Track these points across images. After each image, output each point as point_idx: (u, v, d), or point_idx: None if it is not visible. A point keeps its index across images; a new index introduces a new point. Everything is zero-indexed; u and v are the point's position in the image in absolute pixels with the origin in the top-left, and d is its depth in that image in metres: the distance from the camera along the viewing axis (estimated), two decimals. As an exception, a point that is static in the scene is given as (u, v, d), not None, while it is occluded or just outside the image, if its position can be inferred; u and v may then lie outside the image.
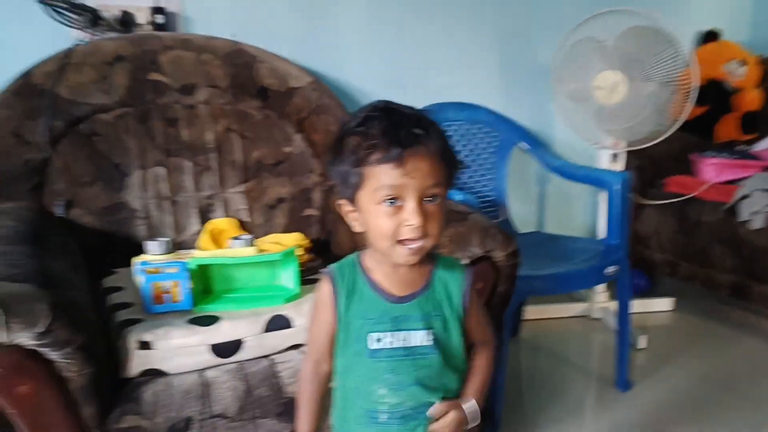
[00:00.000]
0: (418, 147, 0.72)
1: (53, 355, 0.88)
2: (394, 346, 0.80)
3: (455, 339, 0.83)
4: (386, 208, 0.73)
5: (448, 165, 0.76)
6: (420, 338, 0.80)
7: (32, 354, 0.87)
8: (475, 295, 0.86)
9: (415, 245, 0.74)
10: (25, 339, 0.86)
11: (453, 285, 0.83)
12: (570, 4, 2.15)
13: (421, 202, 0.73)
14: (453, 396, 0.84)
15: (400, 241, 0.74)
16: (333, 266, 0.83)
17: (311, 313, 0.85)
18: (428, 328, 0.81)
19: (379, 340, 0.79)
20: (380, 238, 0.75)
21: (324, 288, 0.82)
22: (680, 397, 1.74)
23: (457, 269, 0.85)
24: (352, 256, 0.84)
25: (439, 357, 0.81)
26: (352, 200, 0.77)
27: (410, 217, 0.72)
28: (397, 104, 0.77)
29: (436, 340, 0.81)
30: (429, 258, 0.81)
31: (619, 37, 1.83)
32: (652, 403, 1.71)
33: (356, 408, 0.82)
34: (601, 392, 1.79)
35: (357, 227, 0.79)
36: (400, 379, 0.80)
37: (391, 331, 0.80)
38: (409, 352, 0.80)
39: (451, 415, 0.82)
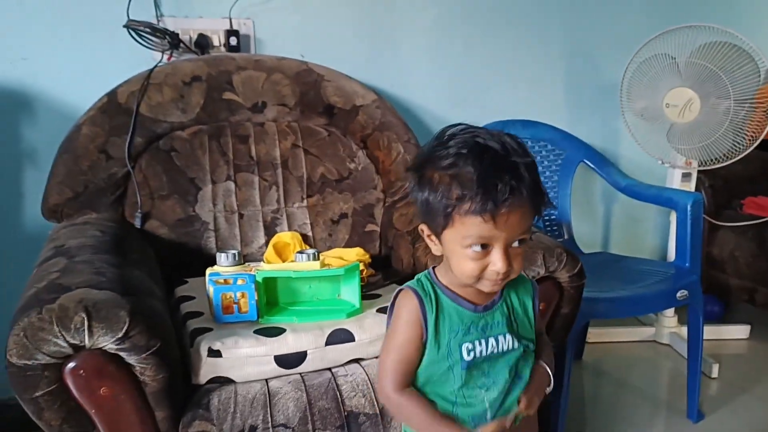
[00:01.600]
0: (512, 199, 0.70)
1: (132, 359, 0.94)
2: (487, 353, 0.82)
3: (530, 342, 0.86)
4: (473, 253, 0.74)
5: (538, 207, 0.75)
6: (509, 341, 0.83)
7: (113, 358, 0.93)
8: (539, 306, 0.90)
9: (500, 282, 0.77)
10: (107, 343, 0.91)
11: (525, 293, 0.87)
12: (638, 21, 2.11)
13: (508, 247, 0.74)
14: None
15: (483, 278, 0.76)
16: (412, 284, 0.83)
17: (393, 334, 0.82)
18: (511, 332, 0.84)
19: (471, 350, 0.81)
20: (464, 276, 0.77)
21: (409, 304, 0.81)
22: (755, 429, 1.64)
23: (526, 280, 0.89)
24: (424, 274, 0.85)
25: (523, 350, 0.85)
26: (436, 234, 0.78)
27: (497, 263, 0.73)
28: (485, 136, 0.73)
29: (519, 338, 0.84)
30: None
31: (692, 53, 1.77)
32: (726, 435, 1.63)
33: (463, 417, 0.83)
34: (670, 422, 1.71)
35: (436, 251, 0.80)
36: (495, 379, 0.83)
37: (481, 339, 0.82)
38: (502, 355, 0.83)
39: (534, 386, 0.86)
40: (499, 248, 0.73)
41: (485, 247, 0.73)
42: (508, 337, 0.83)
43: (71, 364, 0.91)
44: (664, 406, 1.80)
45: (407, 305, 0.81)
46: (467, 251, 0.74)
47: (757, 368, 1.98)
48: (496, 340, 0.82)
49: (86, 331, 0.89)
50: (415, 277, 0.85)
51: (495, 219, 0.70)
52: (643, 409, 1.77)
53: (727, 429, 1.65)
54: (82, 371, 0.91)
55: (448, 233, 0.75)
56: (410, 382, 0.83)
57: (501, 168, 0.71)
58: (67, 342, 0.89)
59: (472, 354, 0.80)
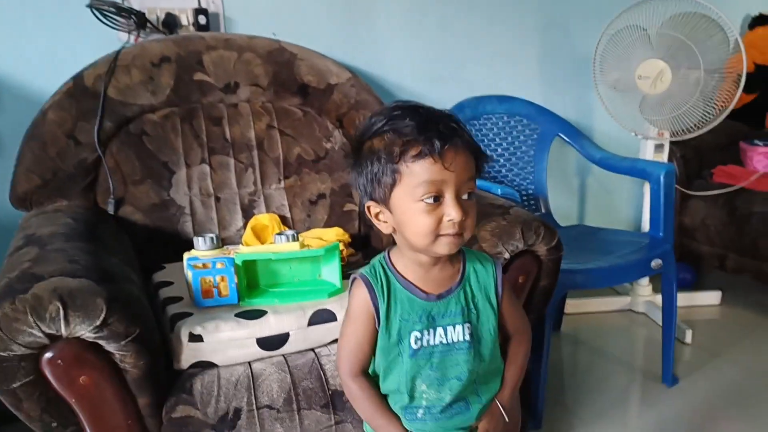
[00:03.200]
0: (455, 140, 0.72)
1: (110, 347, 0.92)
2: (434, 343, 0.80)
3: (490, 330, 0.84)
4: (426, 205, 0.73)
5: (478, 158, 0.76)
6: (459, 333, 0.81)
7: (91, 346, 0.92)
8: (507, 285, 0.87)
9: (457, 238, 0.75)
10: (84, 332, 0.90)
11: (486, 277, 0.84)
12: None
13: (459, 196, 0.73)
14: (486, 386, 0.85)
15: (439, 235, 0.75)
16: (364, 271, 0.82)
17: (347, 323, 0.83)
18: (466, 321, 0.82)
19: (419, 339, 0.80)
20: (420, 236, 0.75)
21: (361, 295, 0.81)
22: (728, 393, 1.70)
23: (488, 261, 0.86)
24: (378, 259, 0.84)
25: (477, 349, 0.82)
26: (384, 201, 0.76)
27: (451, 211, 0.73)
28: (414, 102, 0.77)
29: (473, 334, 0.82)
30: (458, 253, 0.82)
31: (663, 25, 1.78)
32: (699, 398, 1.68)
33: (396, 408, 0.83)
34: (646, 387, 1.76)
35: (386, 228, 0.79)
36: (440, 374, 0.81)
37: (429, 328, 0.80)
38: (449, 347, 0.81)
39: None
40: (450, 195, 0.73)
41: (437, 199, 0.73)
42: (459, 328, 0.81)
43: (48, 354, 0.90)
44: (640, 373, 1.84)
45: (358, 295, 0.81)
46: (419, 205, 0.73)
47: (728, 333, 2.05)
48: (445, 331, 0.80)
49: (62, 320, 0.88)
50: (371, 261, 0.84)
51: (443, 158, 0.71)
52: (620, 376, 1.81)
53: (701, 392, 1.71)
54: (59, 361, 0.90)
55: (397, 193, 0.74)
56: (365, 368, 0.84)
57: (436, 117, 0.74)
58: (43, 332, 0.87)
59: (419, 343, 0.80)
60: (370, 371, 0.86)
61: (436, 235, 0.74)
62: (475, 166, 0.76)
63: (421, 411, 0.82)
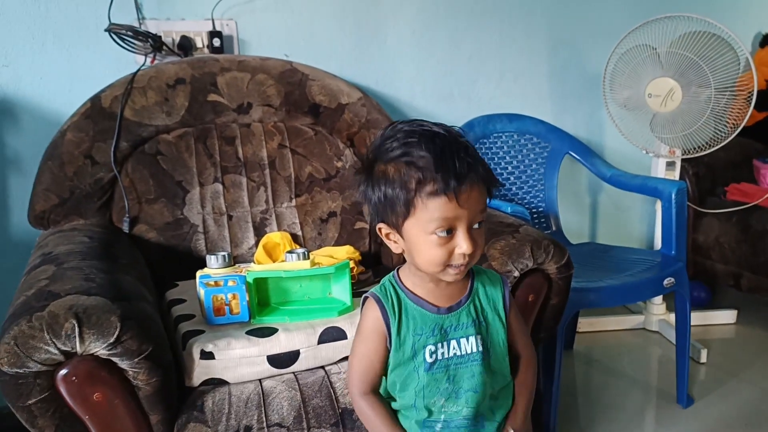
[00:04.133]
0: (471, 176, 0.72)
1: (124, 364, 0.94)
2: (448, 356, 0.81)
3: (500, 343, 0.85)
4: (438, 238, 0.73)
5: (490, 186, 0.76)
6: (472, 345, 0.82)
7: (105, 363, 0.93)
8: (514, 302, 0.88)
9: (464, 267, 0.76)
10: (99, 349, 0.91)
11: (494, 291, 0.85)
12: (620, 12, 2.13)
13: (470, 228, 0.74)
14: (497, 402, 0.86)
15: (449, 265, 0.76)
16: (375, 291, 0.84)
17: (359, 342, 0.84)
18: (478, 333, 0.82)
19: (433, 352, 0.81)
20: (430, 265, 0.76)
21: (372, 314, 0.82)
22: (745, 413, 1.67)
23: (496, 278, 0.87)
24: (387, 278, 0.85)
25: (489, 361, 0.83)
26: (396, 227, 0.77)
27: (463, 244, 0.73)
28: (428, 124, 0.76)
29: (485, 345, 0.83)
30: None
31: (673, 43, 1.79)
32: (715, 419, 1.65)
33: (410, 423, 0.83)
34: (660, 408, 1.73)
35: (397, 249, 0.80)
36: (457, 386, 0.81)
37: (443, 341, 0.81)
38: (464, 359, 0.82)
39: None
40: (462, 230, 0.73)
41: (449, 232, 0.73)
42: (472, 339, 0.81)
43: (63, 371, 0.91)
44: (655, 393, 1.82)
45: (370, 315, 0.82)
46: (432, 237, 0.73)
47: (744, 352, 2.02)
48: (459, 343, 0.81)
49: (77, 338, 0.89)
50: (381, 281, 0.85)
51: (458, 197, 0.71)
52: (634, 396, 1.79)
53: (717, 413, 1.68)
54: (74, 378, 0.91)
55: (410, 223, 0.75)
56: (375, 387, 0.85)
57: (454, 148, 0.73)
58: (59, 349, 0.89)
59: (434, 356, 0.80)
60: (381, 391, 0.87)
61: (446, 265, 0.75)
62: (489, 194, 0.77)
63: (439, 425, 0.82)
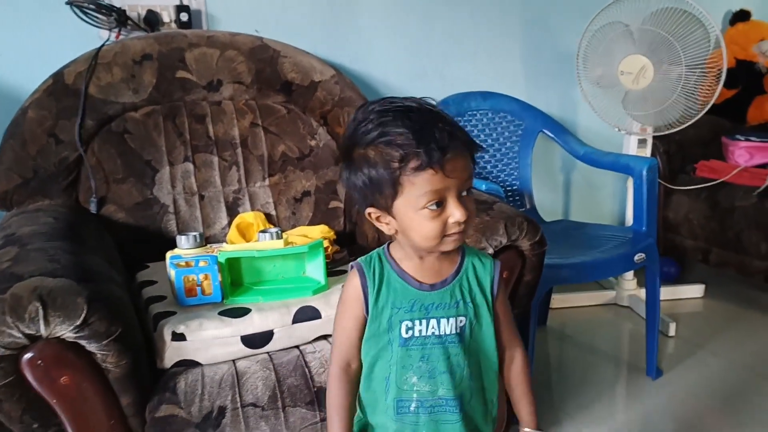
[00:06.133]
0: (453, 145, 0.71)
1: (92, 347, 0.92)
2: (426, 334, 0.80)
3: (487, 327, 0.83)
4: (430, 212, 0.73)
5: (472, 152, 0.75)
6: (451, 326, 0.81)
7: (72, 346, 0.91)
8: (503, 287, 0.86)
9: (461, 234, 0.76)
10: (65, 332, 0.89)
11: (483, 273, 0.84)
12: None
13: (460, 196, 0.74)
14: (482, 388, 0.85)
15: (445, 235, 0.75)
16: (360, 260, 0.83)
17: (339, 311, 0.84)
18: (459, 315, 0.81)
19: (410, 328, 0.80)
20: (427, 239, 0.75)
21: (353, 282, 0.82)
22: (712, 385, 1.72)
23: (486, 258, 0.86)
24: (378, 249, 0.84)
25: (470, 344, 0.82)
26: (386, 208, 0.76)
27: (456, 212, 0.73)
28: (400, 99, 0.74)
29: (468, 328, 0.82)
30: (456, 248, 0.81)
31: (645, 21, 1.80)
32: (683, 390, 1.70)
33: (386, 398, 0.82)
34: (631, 380, 1.77)
35: (389, 230, 0.79)
36: (431, 366, 0.81)
37: (421, 318, 0.80)
38: (441, 339, 0.80)
39: None
40: (453, 199, 0.73)
41: (440, 204, 0.73)
42: (452, 321, 0.80)
43: (28, 355, 0.89)
44: (625, 366, 1.86)
45: (350, 283, 0.82)
46: (423, 212, 0.73)
47: (711, 325, 2.07)
48: (438, 322, 0.80)
49: (42, 321, 0.87)
50: (372, 251, 0.85)
51: (444, 168, 0.70)
52: (605, 370, 1.83)
53: (685, 384, 1.73)
54: (39, 361, 0.89)
55: (399, 202, 0.74)
56: (351, 359, 0.83)
57: (430, 120, 0.72)
58: (22, 332, 0.86)
59: (410, 332, 0.80)
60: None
61: (443, 236, 0.75)
62: (472, 158, 0.76)
63: (413, 404, 0.82)
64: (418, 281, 0.81)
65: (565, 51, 2.11)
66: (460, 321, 0.81)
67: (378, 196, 0.75)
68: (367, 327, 0.82)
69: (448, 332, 0.81)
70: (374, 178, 0.73)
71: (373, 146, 0.73)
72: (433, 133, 0.70)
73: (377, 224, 0.79)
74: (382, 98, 0.76)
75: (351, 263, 0.84)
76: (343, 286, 0.85)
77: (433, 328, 0.80)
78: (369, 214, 0.79)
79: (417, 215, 0.73)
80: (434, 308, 0.80)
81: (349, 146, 0.76)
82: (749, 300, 2.24)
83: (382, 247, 0.84)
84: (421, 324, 0.80)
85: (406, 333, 0.80)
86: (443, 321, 0.80)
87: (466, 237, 0.78)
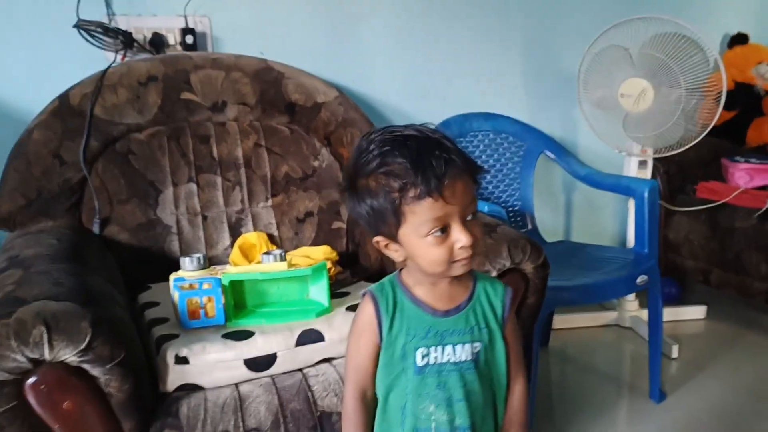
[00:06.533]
0: (450, 171, 0.71)
1: (95, 371, 0.91)
2: (441, 360, 0.80)
3: (500, 352, 0.83)
4: (434, 239, 0.73)
5: (474, 174, 0.76)
6: (467, 351, 0.80)
7: (75, 370, 0.90)
8: (513, 314, 0.86)
9: (469, 259, 0.76)
10: (69, 356, 0.88)
11: (495, 298, 0.84)
12: (595, 12, 2.15)
13: (464, 220, 0.74)
14: (494, 415, 0.84)
15: (453, 261, 0.75)
16: (372, 287, 0.83)
17: (351, 340, 0.83)
18: (474, 341, 0.81)
19: (425, 355, 0.79)
20: (434, 265, 0.75)
21: (366, 310, 0.81)
22: (715, 408, 1.71)
23: (498, 284, 0.86)
24: (390, 276, 0.84)
25: (485, 370, 0.82)
26: (392, 237, 0.76)
27: (461, 237, 0.73)
28: (400, 128, 0.75)
29: (483, 353, 0.81)
30: (468, 272, 0.81)
31: (645, 44, 1.82)
32: (687, 413, 1.69)
33: (402, 428, 0.81)
34: (634, 403, 1.76)
35: (398, 257, 0.79)
36: (447, 394, 0.80)
37: (437, 345, 0.80)
38: (457, 366, 0.80)
39: None
40: (457, 223, 0.73)
41: (444, 230, 0.73)
42: (468, 347, 0.80)
43: (31, 379, 0.88)
44: (628, 388, 1.85)
45: (363, 311, 0.82)
46: (428, 239, 0.73)
47: (714, 347, 2.06)
48: (454, 349, 0.80)
49: (46, 345, 0.86)
50: (385, 278, 0.84)
51: (443, 194, 0.71)
52: (607, 392, 1.82)
53: (689, 408, 1.71)
54: (43, 386, 0.88)
55: (403, 230, 0.74)
56: (367, 387, 0.83)
57: (427, 148, 0.72)
58: (26, 357, 0.86)
59: (425, 359, 0.79)
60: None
61: (451, 262, 0.75)
62: (476, 182, 0.76)
63: None
64: (432, 307, 0.80)
65: (566, 73, 2.13)
66: (475, 347, 0.81)
67: (383, 225, 0.75)
68: (381, 355, 0.81)
69: (463, 359, 0.80)
70: (377, 208, 0.74)
71: (373, 176, 0.73)
72: (430, 161, 0.71)
73: (386, 252, 0.79)
74: (383, 127, 0.77)
75: (363, 291, 0.83)
76: (354, 314, 0.84)
77: (449, 354, 0.80)
78: (377, 242, 0.79)
79: (422, 242, 0.74)
80: (449, 334, 0.80)
81: (352, 176, 0.76)
82: (750, 321, 2.24)
83: (393, 274, 0.84)
84: (436, 351, 0.79)
85: (422, 360, 0.79)
86: (458, 347, 0.80)
87: (475, 260, 0.78)
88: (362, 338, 0.82)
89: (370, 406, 0.84)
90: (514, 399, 0.87)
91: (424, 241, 0.74)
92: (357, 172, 0.75)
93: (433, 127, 0.77)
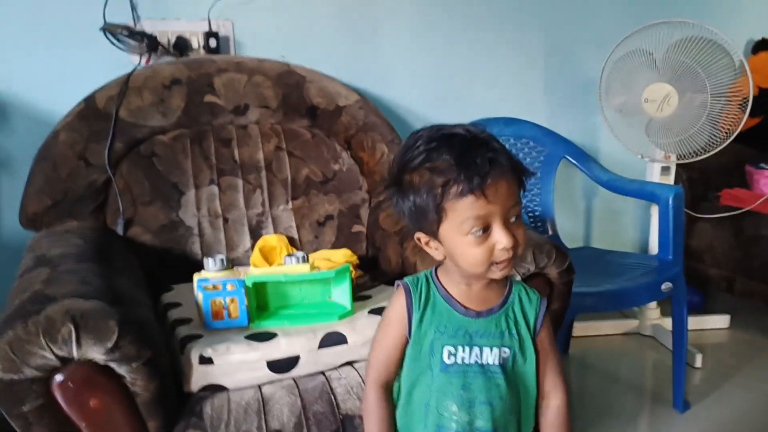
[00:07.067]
0: (494, 170, 0.71)
1: (122, 369, 0.91)
2: (468, 361, 0.79)
3: (530, 361, 0.82)
4: (475, 238, 0.73)
5: (520, 176, 0.75)
6: (495, 356, 0.80)
7: (102, 369, 0.91)
8: (548, 325, 0.85)
9: (509, 262, 0.75)
10: (96, 354, 0.89)
11: (529, 307, 0.83)
12: (616, 17, 2.14)
13: (507, 222, 0.73)
14: (518, 422, 0.83)
15: (494, 263, 0.75)
16: (407, 279, 0.83)
17: (381, 329, 0.83)
18: (504, 346, 0.80)
19: (452, 354, 0.79)
20: (474, 266, 0.75)
21: (398, 301, 0.81)
22: (740, 418, 1.68)
23: (534, 293, 0.85)
24: (426, 271, 0.84)
25: (512, 377, 0.81)
26: (433, 234, 0.76)
27: (502, 239, 0.72)
28: (448, 127, 0.75)
29: (511, 360, 0.81)
30: (504, 278, 0.81)
31: (668, 49, 1.80)
32: (712, 423, 1.66)
33: (424, 423, 0.81)
34: (657, 412, 1.73)
35: (438, 255, 0.79)
36: (471, 396, 0.79)
37: (465, 345, 0.79)
38: (483, 369, 0.79)
39: None
40: (498, 224, 0.72)
41: (485, 230, 0.72)
42: (496, 351, 0.79)
43: (59, 377, 0.89)
44: (650, 397, 1.82)
45: (396, 301, 0.82)
46: (468, 238, 0.73)
47: (738, 357, 2.02)
48: (481, 351, 0.79)
49: (74, 343, 0.87)
50: (420, 272, 0.84)
51: (485, 193, 0.70)
52: (630, 401, 1.79)
53: (714, 418, 1.68)
54: (70, 384, 0.89)
55: (444, 228, 0.74)
56: (390, 379, 0.83)
57: (473, 146, 0.72)
58: (55, 354, 0.86)
59: (452, 358, 0.79)
60: (394, 392, 0.85)
61: (491, 263, 0.75)
62: (521, 185, 0.76)
63: None
64: (465, 307, 0.80)
65: (586, 78, 2.11)
66: (504, 352, 0.80)
67: (424, 222, 0.75)
68: (408, 349, 0.81)
69: (491, 362, 0.79)
70: (419, 204, 0.74)
71: (417, 172, 0.73)
72: (475, 159, 0.70)
73: (426, 249, 0.79)
74: (432, 125, 0.77)
75: (397, 281, 0.83)
76: (385, 305, 0.84)
77: (476, 356, 0.79)
78: (418, 239, 0.79)
79: (462, 241, 0.73)
80: (479, 336, 0.80)
81: (398, 172, 0.77)
82: (775, 331, 2.20)
83: (429, 270, 0.84)
84: (464, 351, 0.79)
85: (449, 359, 0.79)
86: (486, 350, 0.79)
87: (516, 263, 0.78)
88: (391, 328, 0.82)
89: (391, 394, 0.84)
90: (550, 413, 0.86)
91: (465, 239, 0.73)
92: (402, 167, 0.75)
93: (480, 126, 0.77)
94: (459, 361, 0.79)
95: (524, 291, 0.84)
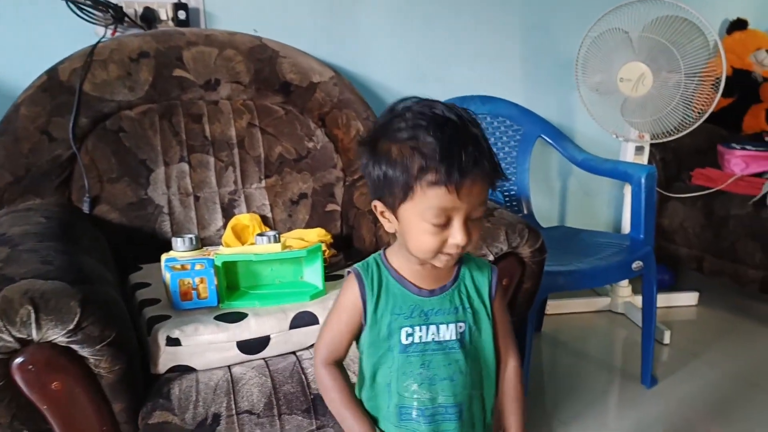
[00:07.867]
0: (475, 172, 0.69)
1: (85, 351, 0.89)
2: (426, 340, 0.79)
3: (486, 333, 0.83)
4: (432, 227, 0.72)
5: (494, 180, 0.74)
6: (451, 332, 0.80)
7: (64, 351, 0.88)
8: (501, 293, 0.86)
9: (455, 256, 0.75)
10: (57, 336, 0.86)
11: (481, 279, 0.83)
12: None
13: (467, 219, 0.72)
14: (481, 395, 0.84)
15: (440, 252, 0.74)
16: (358, 266, 0.82)
17: (333, 314, 0.83)
18: (459, 321, 0.81)
19: (410, 334, 0.79)
20: (421, 252, 0.74)
21: (350, 288, 0.80)
22: (706, 393, 1.72)
23: (484, 264, 0.85)
24: (375, 255, 0.83)
25: (471, 350, 0.81)
26: (392, 207, 0.75)
27: (457, 235, 0.72)
28: (442, 108, 0.72)
29: (468, 334, 0.81)
30: None
31: (645, 28, 1.79)
32: (678, 399, 1.70)
33: (387, 404, 0.81)
34: (625, 388, 1.77)
35: (389, 228, 0.78)
36: (431, 373, 0.79)
37: (421, 324, 0.79)
38: (441, 346, 0.80)
39: None
40: (459, 220, 0.71)
41: (445, 222, 0.72)
42: (452, 327, 0.80)
43: (19, 359, 0.86)
44: (620, 374, 1.86)
45: (348, 288, 0.81)
46: (426, 225, 0.72)
47: (706, 334, 2.07)
48: (438, 329, 0.79)
49: (33, 324, 0.84)
50: (370, 257, 0.83)
51: (459, 190, 0.69)
52: (599, 377, 1.82)
53: (680, 393, 1.72)
54: (31, 366, 0.87)
55: (406, 207, 0.73)
56: (339, 359, 0.84)
57: (462, 139, 0.70)
58: (13, 336, 0.84)
59: (410, 339, 0.79)
60: (357, 385, 0.85)
61: (437, 252, 0.74)
62: (492, 187, 0.74)
63: (415, 412, 0.80)
64: (418, 287, 0.80)
65: (564, 57, 2.10)
66: (460, 327, 0.81)
67: (388, 194, 0.74)
68: (366, 334, 0.81)
69: (448, 338, 0.80)
70: (390, 176, 0.72)
71: (398, 144, 0.71)
72: (460, 153, 0.68)
73: (380, 218, 0.78)
74: (425, 99, 0.74)
75: (347, 269, 0.83)
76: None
77: (433, 334, 0.79)
78: (375, 206, 0.78)
79: (419, 226, 0.72)
80: (434, 314, 0.80)
81: (377, 134, 0.74)
82: (743, 309, 2.25)
83: (378, 253, 0.83)
84: (421, 330, 0.79)
85: (406, 339, 0.79)
86: (443, 327, 0.80)
87: (459, 257, 0.77)
88: (344, 315, 0.81)
89: (344, 371, 0.84)
90: (507, 373, 0.87)
91: (422, 225, 0.72)
92: (384, 134, 0.73)
93: (473, 117, 0.74)
94: (417, 340, 0.79)
95: (474, 264, 0.84)
